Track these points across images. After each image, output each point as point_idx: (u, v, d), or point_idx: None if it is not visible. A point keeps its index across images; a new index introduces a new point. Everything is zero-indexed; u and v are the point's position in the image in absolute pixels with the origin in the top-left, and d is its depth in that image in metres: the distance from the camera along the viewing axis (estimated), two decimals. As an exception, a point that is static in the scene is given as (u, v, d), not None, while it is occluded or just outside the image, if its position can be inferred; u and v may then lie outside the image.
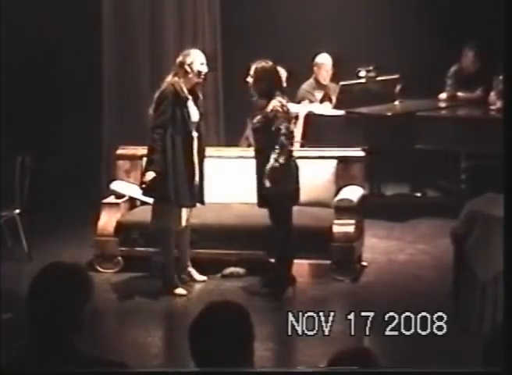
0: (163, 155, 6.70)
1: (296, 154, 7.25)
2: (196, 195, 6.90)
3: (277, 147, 6.58)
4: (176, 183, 6.73)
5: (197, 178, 6.88)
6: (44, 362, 2.80)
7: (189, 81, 6.82)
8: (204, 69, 6.87)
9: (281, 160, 6.58)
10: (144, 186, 6.81)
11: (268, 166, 6.59)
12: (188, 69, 6.78)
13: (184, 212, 6.97)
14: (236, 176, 7.65)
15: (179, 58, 6.83)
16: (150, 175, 6.72)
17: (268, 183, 6.62)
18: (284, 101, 6.79)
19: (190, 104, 6.85)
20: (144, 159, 7.09)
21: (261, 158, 6.71)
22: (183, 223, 6.99)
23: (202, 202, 7.00)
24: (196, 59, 6.83)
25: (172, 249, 6.98)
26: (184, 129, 6.79)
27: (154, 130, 6.72)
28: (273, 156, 6.57)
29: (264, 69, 6.78)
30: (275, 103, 6.70)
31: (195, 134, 6.86)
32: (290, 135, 6.77)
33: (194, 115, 6.87)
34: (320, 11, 10.78)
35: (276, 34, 10.65)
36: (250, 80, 6.80)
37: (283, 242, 6.85)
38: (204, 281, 7.26)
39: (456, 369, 4.31)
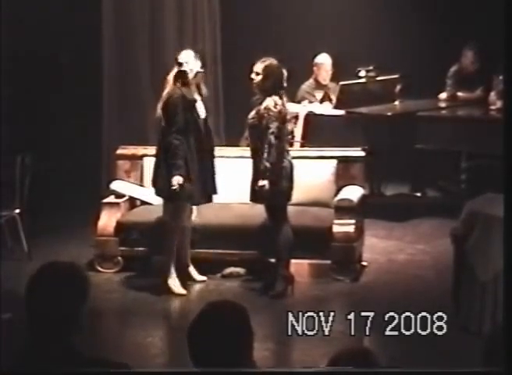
0: (184, 158, 6.73)
1: (295, 154, 7.26)
2: (209, 191, 6.97)
3: (266, 146, 6.60)
4: (195, 182, 6.78)
5: (209, 174, 6.94)
6: (43, 362, 2.80)
7: (192, 82, 6.84)
8: (198, 65, 6.88)
9: (270, 159, 6.59)
10: (174, 190, 6.76)
11: (260, 163, 6.62)
12: (188, 72, 6.80)
13: (194, 209, 7.05)
14: (236, 176, 7.64)
15: (177, 67, 6.85)
16: (177, 179, 6.71)
17: (260, 182, 6.63)
18: (279, 101, 6.76)
19: (198, 103, 6.88)
20: (150, 159, 7.12)
21: (255, 156, 6.76)
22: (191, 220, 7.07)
23: (215, 192, 7.06)
24: (189, 60, 6.84)
25: (174, 247, 6.99)
26: (196, 128, 6.84)
27: (172, 135, 6.72)
28: (263, 155, 6.60)
29: (271, 67, 6.79)
30: (269, 102, 6.71)
31: (204, 131, 6.90)
32: (280, 134, 6.73)
33: (202, 113, 6.92)
34: (320, 11, 10.79)
35: (276, 34, 10.65)
36: (256, 77, 6.80)
37: (278, 240, 6.86)
38: (203, 281, 7.26)
39: (456, 369, 4.31)
